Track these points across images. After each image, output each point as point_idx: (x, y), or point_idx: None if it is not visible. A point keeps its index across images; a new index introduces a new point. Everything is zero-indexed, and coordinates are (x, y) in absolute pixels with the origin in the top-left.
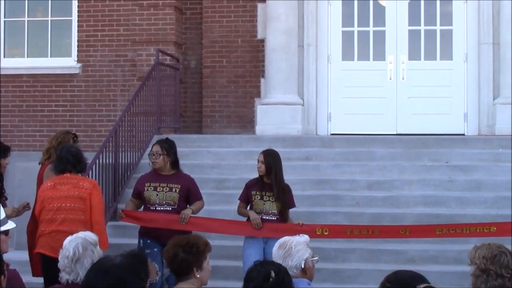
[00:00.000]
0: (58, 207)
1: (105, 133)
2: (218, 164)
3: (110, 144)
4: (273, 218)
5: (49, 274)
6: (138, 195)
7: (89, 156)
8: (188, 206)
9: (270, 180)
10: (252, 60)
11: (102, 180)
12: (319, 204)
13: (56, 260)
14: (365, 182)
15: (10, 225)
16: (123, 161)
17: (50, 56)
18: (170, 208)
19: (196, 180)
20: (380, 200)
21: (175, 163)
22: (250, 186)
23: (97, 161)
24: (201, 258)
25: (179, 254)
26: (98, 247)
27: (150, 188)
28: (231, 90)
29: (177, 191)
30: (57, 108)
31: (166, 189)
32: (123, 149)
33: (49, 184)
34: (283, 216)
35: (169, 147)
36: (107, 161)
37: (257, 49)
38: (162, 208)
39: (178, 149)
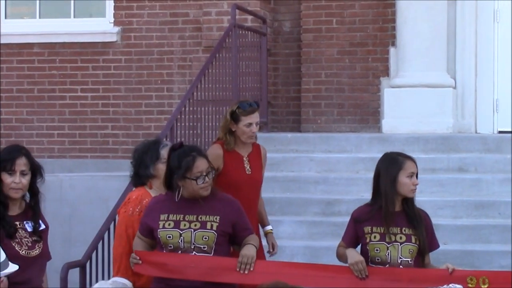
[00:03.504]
0: None
1: (155, 131)
2: (325, 177)
3: None
4: None
5: None
6: (150, 233)
7: (126, 164)
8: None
9: (404, 205)
10: (376, 19)
11: None
12: (480, 239)
13: None
14: None
15: (11, 268)
16: None
17: (74, 17)
18: None
19: (293, 200)
20: None
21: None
22: (361, 218)
23: None
24: None
25: None
26: None
27: (168, 224)
28: (345, 65)
29: (215, 227)
30: (85, 94)
31: (195, 225)
32: None
33: None
34: (420, 263)
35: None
36: None
37: (384, 3)
38: None
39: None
